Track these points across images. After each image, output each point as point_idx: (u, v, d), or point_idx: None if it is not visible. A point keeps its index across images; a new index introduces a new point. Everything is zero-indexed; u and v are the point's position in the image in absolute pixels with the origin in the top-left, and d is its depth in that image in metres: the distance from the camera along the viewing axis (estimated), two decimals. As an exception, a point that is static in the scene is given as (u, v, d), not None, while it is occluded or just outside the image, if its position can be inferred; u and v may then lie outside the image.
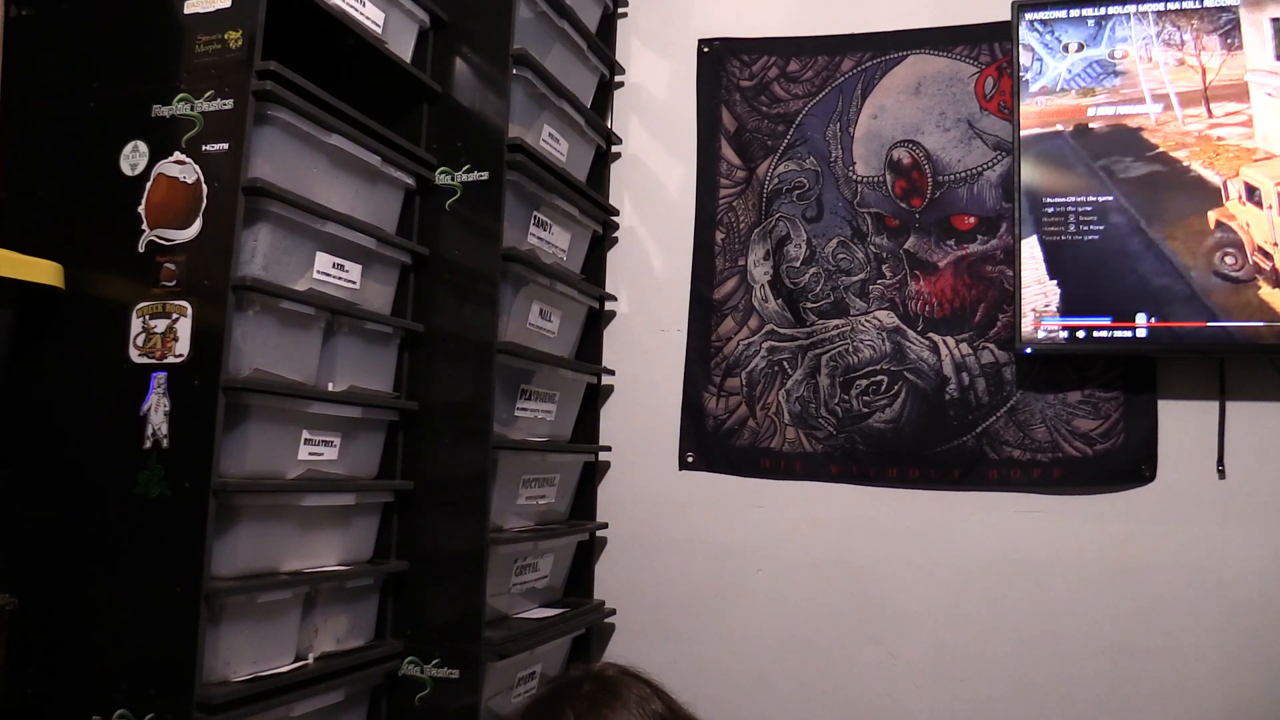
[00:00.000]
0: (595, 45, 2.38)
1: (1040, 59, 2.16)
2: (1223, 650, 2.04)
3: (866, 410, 2.31)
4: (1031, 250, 2.12)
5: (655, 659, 1.09)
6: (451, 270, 1.97)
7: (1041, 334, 2.11)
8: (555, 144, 2.23)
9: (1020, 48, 2.17)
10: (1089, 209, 2.09)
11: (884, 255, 2.34)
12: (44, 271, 1.53)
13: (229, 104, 1.52)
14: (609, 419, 2.50)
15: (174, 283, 1.50)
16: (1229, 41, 2.05)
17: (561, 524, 2.32)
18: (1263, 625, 2.03)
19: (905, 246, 2.33)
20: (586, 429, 2.43)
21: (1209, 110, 2.05)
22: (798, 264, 2.39)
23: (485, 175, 1.97)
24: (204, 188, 1.51)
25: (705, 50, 2.52)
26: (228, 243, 1.49)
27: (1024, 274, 2.12)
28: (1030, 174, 2.14)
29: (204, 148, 1.52)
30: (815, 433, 2.35)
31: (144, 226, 1.53)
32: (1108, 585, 2.12)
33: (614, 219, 2.53)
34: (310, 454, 1.69)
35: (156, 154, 1.54)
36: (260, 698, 1.52)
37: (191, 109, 1.53)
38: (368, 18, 1.83)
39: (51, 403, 1.56)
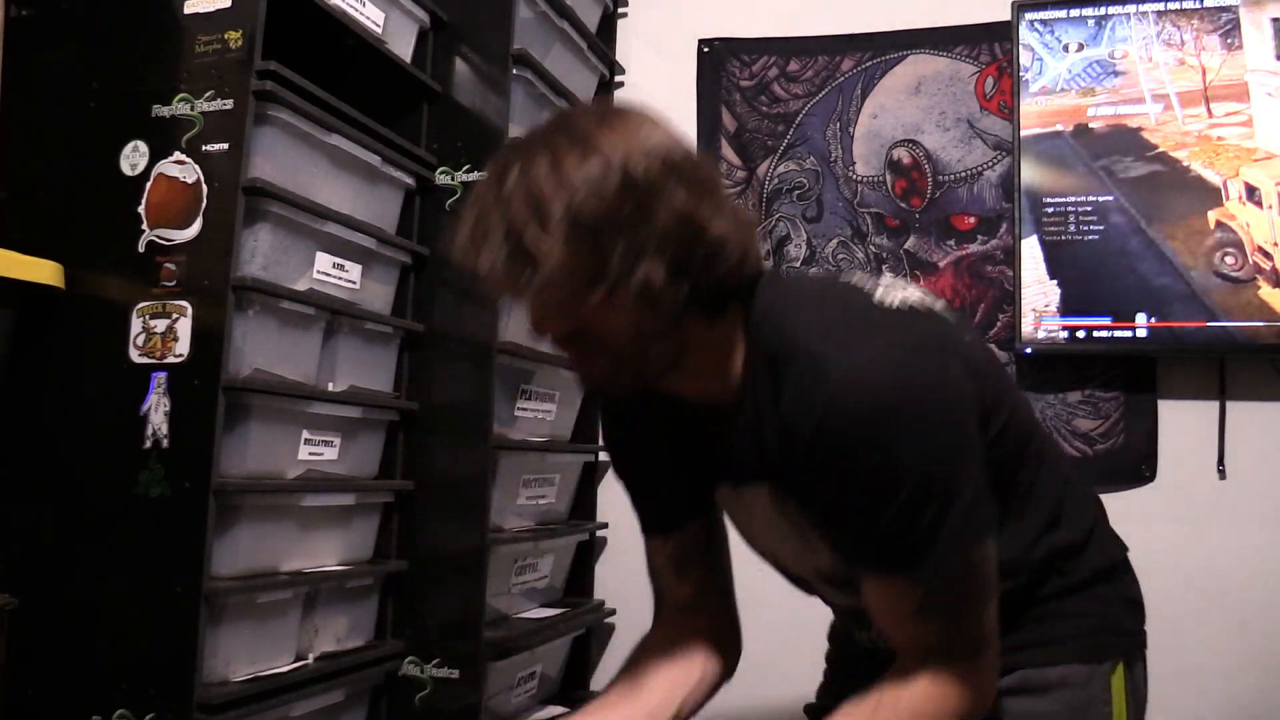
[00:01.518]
0: (595, 45, 2.38)
1: (1040, 59, 2.16)
2: (1223, 650, 2.04)
3: (866, 410, 2.31)
4: (1031, 250, 2.12)
5: (655, 659, 1.12)
6: (451, 270, 1.96)
7: (1041, 334, 2.11)
8: (555, 144, 2.22)
9: (1020, 47, 2.17)
10: (1089, 209, 2.09)
11: (884, 255, 2.34)
12: (44, 271, 1.53)
13: (229, 104, 1.51)
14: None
15: (174, 283, 1.50)
16: (1229, 41, 2.05)
17: (561, 524, 2.32)
18: (1263, 625, 2.03)
19: (905, 246, 2.33)
20: (586, 429, 2.43)
21: (1209, 110, 2.05)
22: (798, 264, 2.39)
23: (485, 175, 1.97)
24: (204, 188, 1.51)
25: (705, 50, 2.52)
26: (228, 243, 1.49)
27: (1024, 274, 2.12)
28: (1030, 174, 2.14)
29: (204, 148, 1.52)
30: (815, 433, 2.34)
31: (144, 226, 1.53)
32: (1108, 585, 2.12)
33: (614, 219, 2.53)
34: (310, 454, 1.69)
35: (156, 154, 1.54)
36: (260, 698, 1.52)
37: (191, 109, 1.53)
38: (368, 18, 1.83)
39: (51, 403, 1.56)
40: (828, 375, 0.92)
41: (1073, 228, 2.10)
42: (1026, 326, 2.11)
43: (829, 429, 0.92)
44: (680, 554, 1.22)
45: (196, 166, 1.52)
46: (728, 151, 2.47)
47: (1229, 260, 2.01)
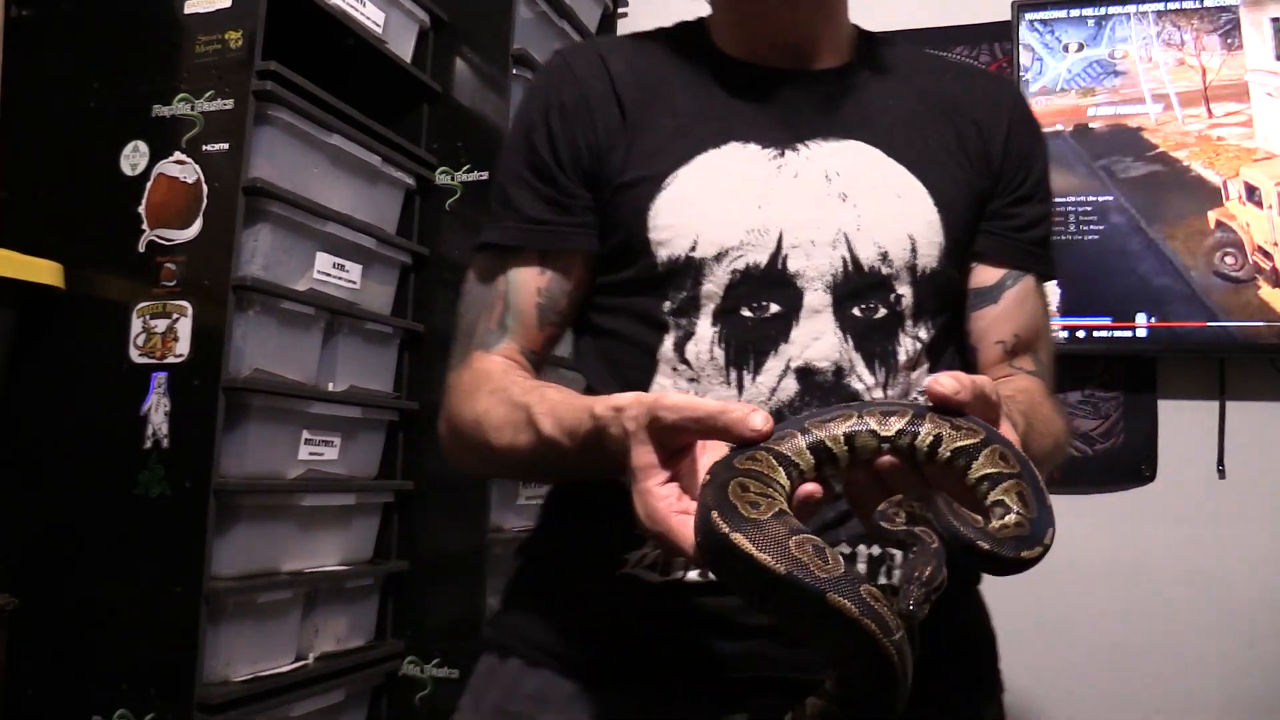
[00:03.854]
0: (595, 45, 2.38)
1: (1040, 59, 2.16)
2: (1222, 650, 2.04)
3: (866, 410, 2.31)
4: (1031, 250, 2.12)
5: (655, 659, 1.10)
6: (451, 270, 1.97)
7: (1041, 334, 2.11)
8: (555, 144, 2.23)
9: (1020, 47, 2.17)
10: (1089, 209, 2.09)
11: (884, 255, 2.33)
12: (44, 271, 1.53)
13: (229, 104, 1.52)
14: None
15: (174, 283, 1.51)
16: (1229, 41, 2.05)
17: (561, 524, 2.32)
18: (1262, 625, 2.03)
19: (905, 246, 2.32)
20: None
21: (1209, 110, 2.05)
22: (798, 264, 2.39)
23: (485, 175, 1.97)
24: (204, 188, 1.51)
25: (705, 50, 2.52)
26: (228, 243, 1.49)
27: (1024, 274, 2.12)
28: (1030, 174, 2.14)
29: (204, 148, 1.52)
30: (815, 433, 2.34)
31: (144, 226, 1.53)
32: (1108, 585, 2.12)
33: (614, 219, 2.53)
34: (310, 454, 1.69)
35: (157, 154, 1.54)
36: (260, 698, 1.53)
37: (192, 109, 1.53)
38: (368, 18, 1.83)
39: (52, 403, 1.56)
40: (1000, 76, 1.06)
41: (1073, 227, 2.10)
42: (1026, 326, 2.11)
43: (1021, 117, 1.02)
44: (552, 293, 0.97)
45: (197, 166, 1.52)
46: (728, 151, 2.47)
47: (1229, 260, 2.01)
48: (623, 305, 0.96)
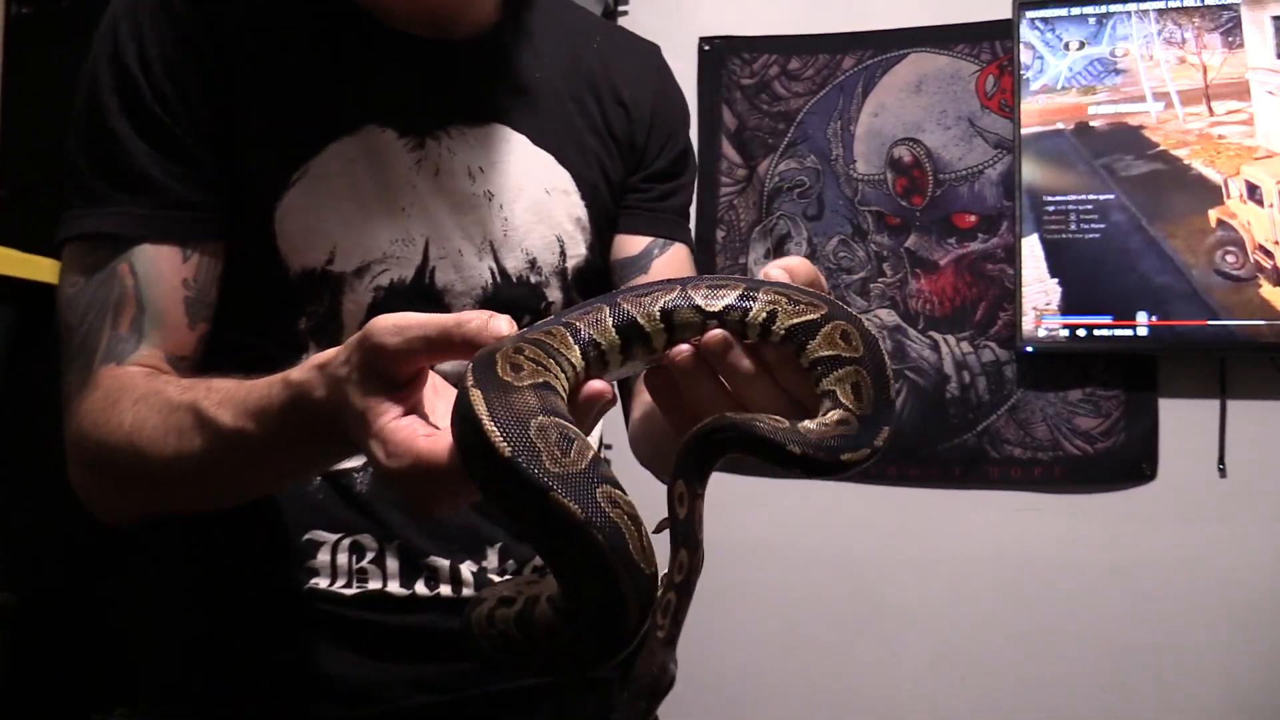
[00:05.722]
0: (596, 43, 2.38)
1: (1041, 57, 2.16)
2: (1223, 648, 2.04)
3: (867, 409, 2.31)
4: (1032, 248, 2.12)
5: (656, 657, 1.10)
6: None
7: (1042, 332, 2.11)
8: (556, 142, 2.22)
9: (1021, 46, 2.17)
10: (1090, 207, 2.09)
11: (885, 254, 2.34)
12: (44, 269, 1.53)
13: (229, 102, 1.51)
14: (609, 418, 2.47)
15: (174, 281, 1.50)
16: (1230, 40, 2.05)
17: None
18: (1263, 623, 2.03)
19: (906, 245, 2.32)
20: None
21: (1210, 108, 2.05)
22: (798, 262, 2.39)
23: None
24: (204, 186, 1.51)
25: (706, 48, 2.52)
26: (228, 241, 1.49)
27: (1025, 272, 2.12)
28: (1031, 172, 2.14)
29: (204, 145, 1.52)
30: (816, 431, 2.34)
31: (144, 224, 1.53)
32: (1108, 583, 2.12)
33: (614, 217, 2.52)
34: (311, 452, 1.69)
35: (157, 152, 1.54)
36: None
37: (192, 107, 1.53)
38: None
39: (52, 401, 1.55)
40: (644, 44, 1.02)
41: (1073, 226, 2.10)
42: (1027, 325, 2.11)
43: (666, 94, 0.98)
44: (201, 283, 0.79)
45: (197, 164, 1.52)
46: (728, 149, 2.47)
47: (1230, 259, 2.01)
48: (250, 315, 0.81)
